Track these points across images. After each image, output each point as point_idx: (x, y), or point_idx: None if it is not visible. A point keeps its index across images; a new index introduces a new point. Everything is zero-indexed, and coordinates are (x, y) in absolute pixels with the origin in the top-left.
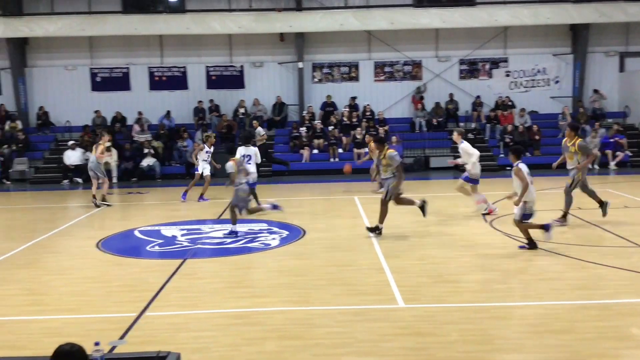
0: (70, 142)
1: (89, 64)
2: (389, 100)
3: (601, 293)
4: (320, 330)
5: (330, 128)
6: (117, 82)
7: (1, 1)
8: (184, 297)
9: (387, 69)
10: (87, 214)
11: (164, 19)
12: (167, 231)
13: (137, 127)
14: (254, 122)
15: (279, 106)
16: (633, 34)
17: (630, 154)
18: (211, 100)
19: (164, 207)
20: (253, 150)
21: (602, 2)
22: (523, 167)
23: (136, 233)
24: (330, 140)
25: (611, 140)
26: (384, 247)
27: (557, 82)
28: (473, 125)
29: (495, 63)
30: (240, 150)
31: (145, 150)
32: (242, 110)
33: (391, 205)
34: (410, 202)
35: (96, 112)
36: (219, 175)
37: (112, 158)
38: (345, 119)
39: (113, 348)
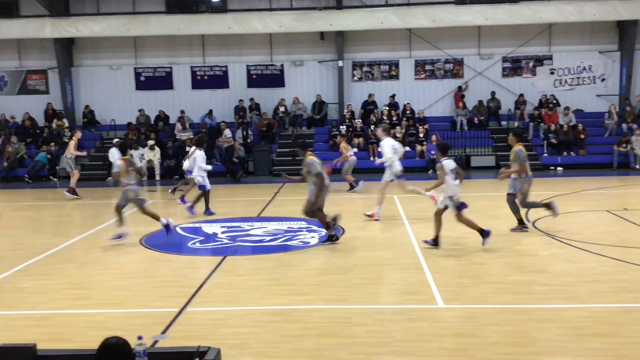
0: (115, 140)
1: (133, 64)
2: (430, 98)
3: None
4: (358, 329)
5: (372, 127)
6: (161, 81)
7: (49, 3)
8: (225, 294)
9: (427, 67)
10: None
11: (206, 19)
12: (208, 228)
13: (179, 126)
14: (222, 123)
15: (319, 105)
16: None
17: None
18: (252, 99)
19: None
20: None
21: None
22: (447, 164)
23: (178, 230)
24: (369, 139)
25: None
26: (424, 246)
27: (603, 79)
28: (516, 123)
29: (539, 60)
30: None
31: (187, 149)
32: (282, 109)
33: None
34: (323, 219)
35: (140, 110)
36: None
37: (155, 156)
38: (385, 117)
39: (155, 342)
